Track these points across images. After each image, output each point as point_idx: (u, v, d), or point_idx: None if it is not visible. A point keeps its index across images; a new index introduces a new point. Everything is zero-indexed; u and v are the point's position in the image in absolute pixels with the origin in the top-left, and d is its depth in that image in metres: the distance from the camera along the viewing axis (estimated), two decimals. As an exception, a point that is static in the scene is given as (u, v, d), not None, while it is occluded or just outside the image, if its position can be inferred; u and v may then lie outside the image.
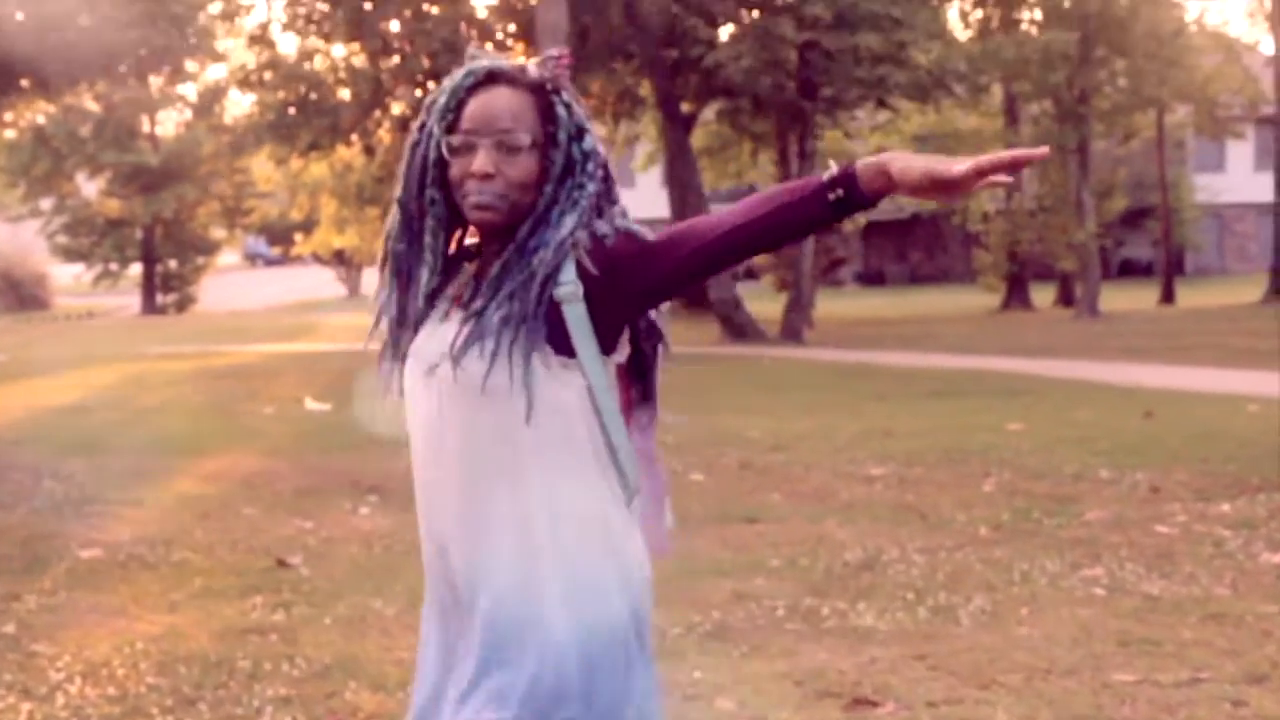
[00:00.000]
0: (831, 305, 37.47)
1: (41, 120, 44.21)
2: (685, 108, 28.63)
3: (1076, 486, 8.74)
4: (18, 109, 40.65)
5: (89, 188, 49.20)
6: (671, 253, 2.18)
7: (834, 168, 2.11)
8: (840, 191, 2.09)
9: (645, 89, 29.36)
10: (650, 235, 2.21)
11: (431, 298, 2.29)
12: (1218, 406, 12.75)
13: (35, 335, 31.03)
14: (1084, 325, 28.24)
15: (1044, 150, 2.09)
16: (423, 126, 2.28)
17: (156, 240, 47.54)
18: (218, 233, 52.05)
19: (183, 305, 49.06)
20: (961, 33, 31.28)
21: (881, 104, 27.49)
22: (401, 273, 2.29)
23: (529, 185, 2.22)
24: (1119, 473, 9.10)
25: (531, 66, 2.27)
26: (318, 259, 56.30)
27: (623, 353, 2.29)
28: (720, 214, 2.19)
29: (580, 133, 2.25)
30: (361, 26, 25.85)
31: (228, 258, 63.18)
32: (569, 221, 2.20)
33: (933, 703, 4.67)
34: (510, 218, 2.22)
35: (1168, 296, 37.61)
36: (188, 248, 49.24)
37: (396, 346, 2.30)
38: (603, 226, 2.22)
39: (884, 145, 40.39)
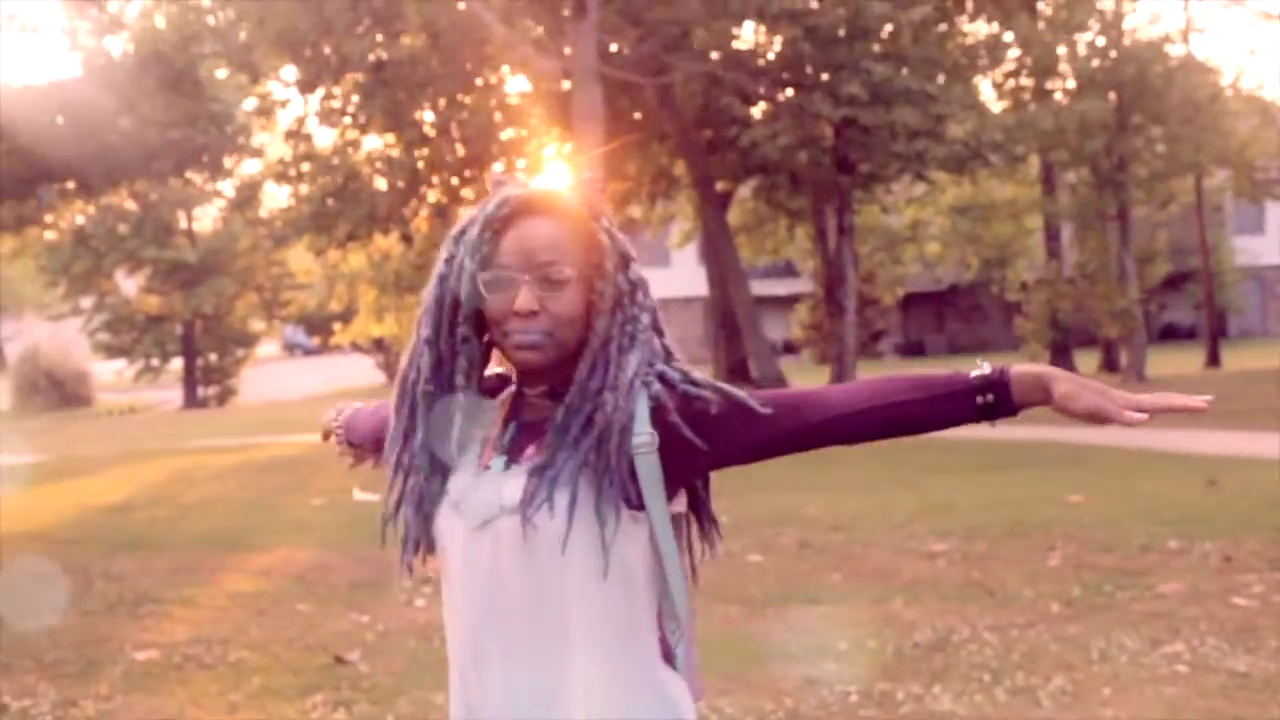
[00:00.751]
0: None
1: (81, 220, 44.74)
2: (721, 186, 28.67)
3: (1146, 559, 8.54)
4: (59, 210, 41.16)
5: (128, 285, 49.66)
6: (786, 423, 2.03)
7: (984, 367, 1.99)
8: (990, 397, 1.98)
9: (680, 168, 29.43)
10: (751, 400, 2.04)
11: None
12: (1282, 472, 12.51)
13: (79, 433, 31.11)
14: (1132, 391, 27.83)
15: (1209, 399, 1.95)
16: (450, 259, 2.11)
17: (196, 334, 47.91)
18: (256, 324, 52.41)
19: (224, 398, 49.32)
20: (995, 104, 31.24)
21: (919, 177, 27.43)
22: (432, 417, 2.12)
23: (576, 320, 2.06)
24: (1188, 543, 8.89)
25: (567, 193, 2.13)
26: (356, 347, 56.58)
27: (680, 503, 2.14)
28: (846, 389, 2.05)
29: (625, 261, 2.11)
30: (397, 117, 26.01)
31: (266, 348, 63.54)
32: (632, 360, 2.05)
33: (1024, 792, 4.50)
34: (557, 356, 2.07)
35: (1213, 360, 37.26)
36: (227, 341, 49.63)
37: (423, 498, 2.11)
38: (675, 376, 2.07)
39: (920, 218, 40.44)
